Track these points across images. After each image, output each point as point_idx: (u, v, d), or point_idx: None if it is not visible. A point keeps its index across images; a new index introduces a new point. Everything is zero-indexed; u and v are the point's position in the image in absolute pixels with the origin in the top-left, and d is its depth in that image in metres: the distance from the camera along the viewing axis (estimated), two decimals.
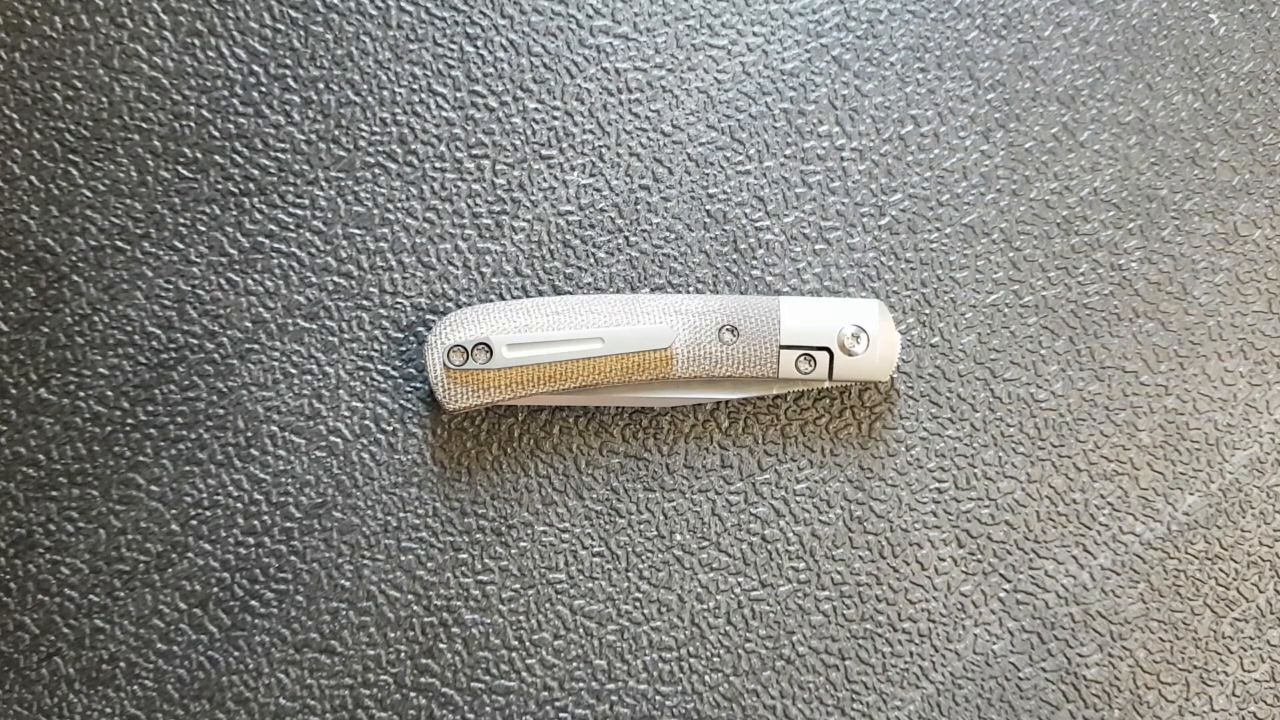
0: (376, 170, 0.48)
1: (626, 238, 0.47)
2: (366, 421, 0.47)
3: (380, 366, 0.47)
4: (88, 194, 0.47)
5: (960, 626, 0.46)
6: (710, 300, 0.45)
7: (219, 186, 0.47)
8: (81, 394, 0.47)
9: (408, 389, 0.47)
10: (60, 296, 0.47)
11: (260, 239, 0.47)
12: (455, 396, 0.45)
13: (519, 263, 0.47)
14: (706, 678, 0.46)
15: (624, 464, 0.46)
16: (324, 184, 0.47)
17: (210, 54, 0.48)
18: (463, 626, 0.46)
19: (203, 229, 0.47)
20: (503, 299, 0.47)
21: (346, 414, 0.47)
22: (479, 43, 0.48)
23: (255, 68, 0.48)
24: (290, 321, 0.47)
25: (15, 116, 0.48)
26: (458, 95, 0.48)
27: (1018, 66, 0.48)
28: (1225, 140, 0.48)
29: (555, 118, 0.48)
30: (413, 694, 0.46)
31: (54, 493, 0.46)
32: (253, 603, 0.46)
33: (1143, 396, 0.47)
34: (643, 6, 0.48)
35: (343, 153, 0.48)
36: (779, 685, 0.46)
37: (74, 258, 0.47)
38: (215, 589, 0.46)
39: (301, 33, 0.48)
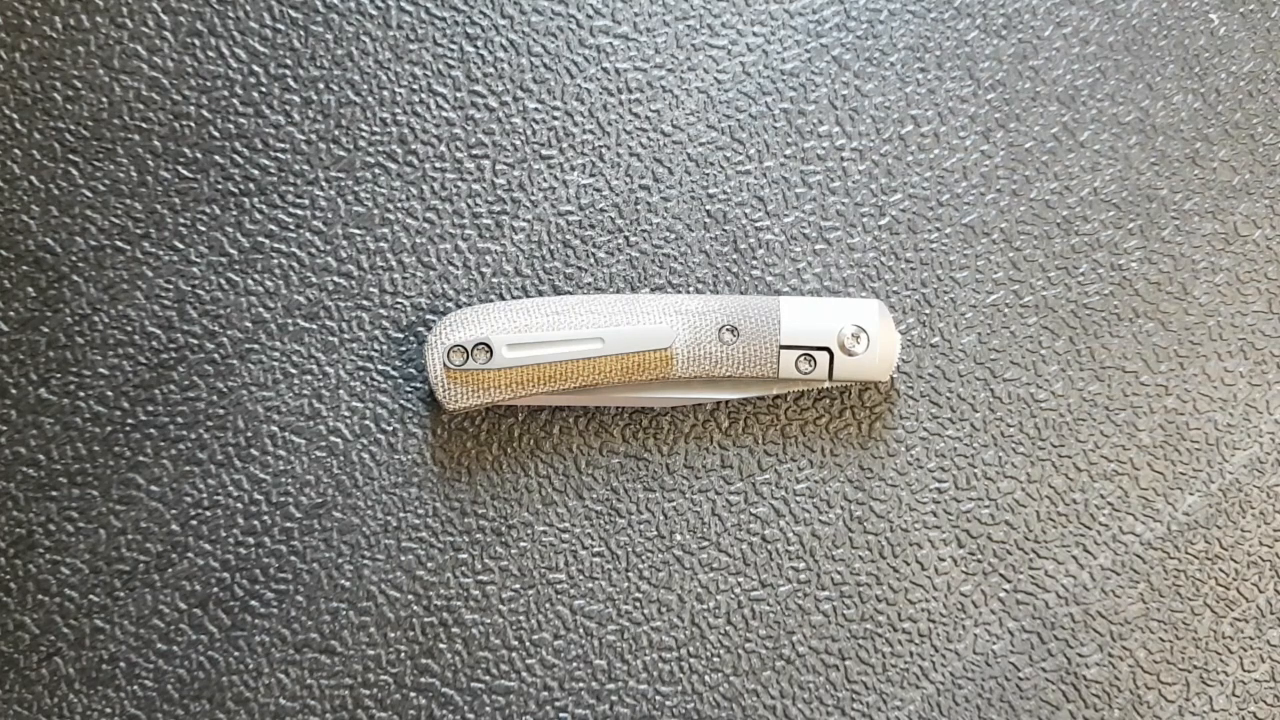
0: (376, 170, 0.48)
1: (626, 238, 0.47)
2: (366, 421, 0.47)
3: (380, 366, 0.47)
4: (88, 194, 0.47)
5: (960, 626, 0.46)
6: (710, 300, 0.45)
7: (219, 186, 0.47)
8: (81, 394, 0.47)
9: (408, 389, 0.47)
10: (60, 296, 0.47)
11: (260, 239, 0.47)
12: (455, 396, 0.45)
13: (519, 263, 0.47)
14: (706, 678, 0.46)
15: (624, 464, 0.46)
16: (324, 184, 0.47)
17: (210, 54, 0.48)
18: (463, 626, 0.46)
19: (203, 229, 0.47)
20: (503, 299, 0.47)
21: (346, 414, 0.47)
22: (479, 43, 0.48)
23: (255, 68, 0.48)
24: (290, 321, 0.47)
25: (15, 116, 0.48)
26: (458, 95, 0.48)
27: (1018, 66, 0.48)
28: (1225, 140, 0.48)
29: (555, 118, 0.48)
30: (413, 694, 0.46)
31: (54, 493, 0.46)
32: (253, 603, 0.46)
33: (1143, 396, 0.47)
34: (643, 6, 0.48)
35: (343, 153, 0.48)
36: (779, 685, 0.46)
37: (74, 258, 0.47)
38: (215, 589, 0.46)
39: (301, 33, 0.48)
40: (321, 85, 0.48)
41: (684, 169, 0.48)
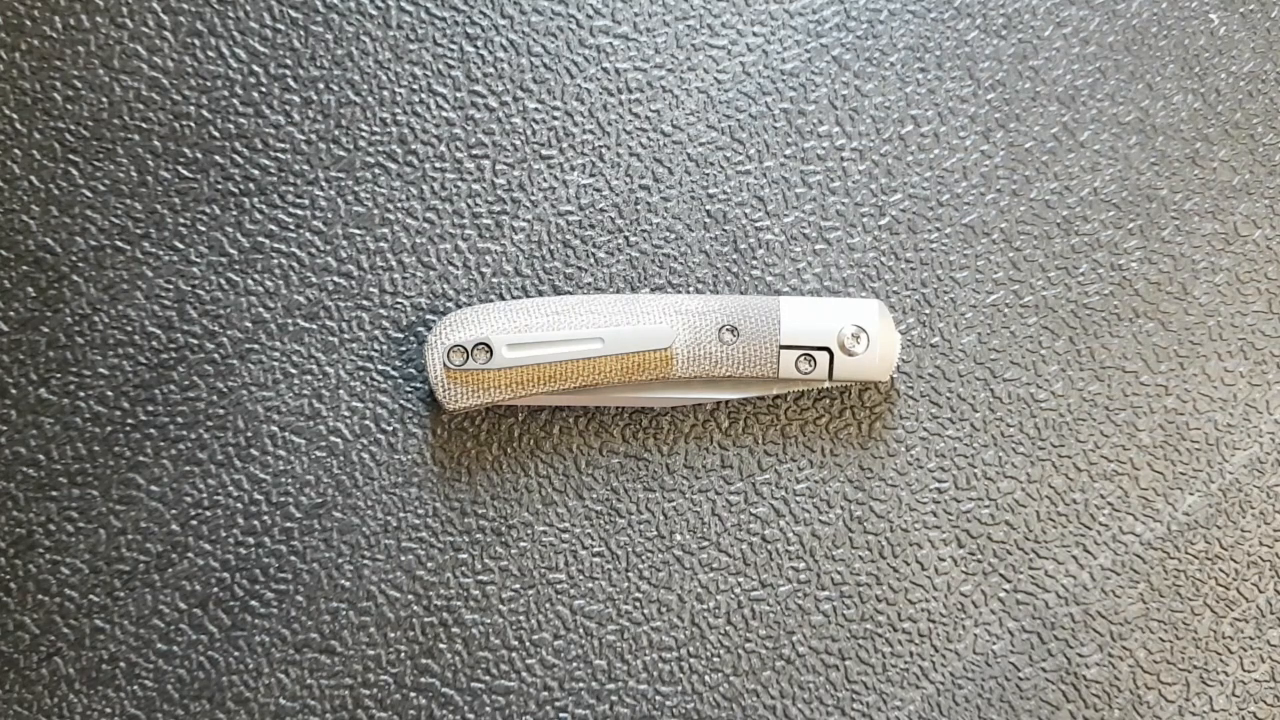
0: (376, 170, 0.48)
1: (626, 238, 0.47)
2: (366, 421, 0.47)
3: (380, 366, 0.47)
4: (88, 194, 0.47)
5: (960, 626, 0.46)
6: (710, 300, 0.45)
7: (219, 186, 0.47)
8: (81, 394, 0.47)
9: (408, 389, 0.47)
10: (60, 296, 0.47)
11: (260, 239, 0.47)
12: (455, 396, 0.45)
13: (519, 263, 0.47)
14: (706, 678, 0.46)
15: (624, 464, 0.46)
16: (324, 184, 0.47)
17: (210, 54, 0.48)
18: (463, 626, 0.46)
19: (203, 229, 0.47)
20: (503, 299, 0.47)
21: (346, 414, 0.47)
22: (479, 43, 0.48)
23: (255, 68, 0.48)
24: (290, 321, 0.47)
25: (15, 116, 0.48)
26: (458, 95, 0.48)
27: (1018, 66, 0.48)
28: (1225, 140, 0.48)
29: (555, 118, 0.48)
30: (413, 694, 0.46)
31: (54, 493, 0.46)
32: (253, 603, 0.46)
33: (1143, 396, 0.47)
34: (643, 6, 0.48)
35: (343, 153, 0.48)
36: (779, 685, 0.46)
37: (74, 258, 0.47)
38: (215, 589, 0.46)
39: (301, 33, 0.48)
40: (321, 85, 0.48)
41: (684, 169, 0.48)
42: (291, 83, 0.48)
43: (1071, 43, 0.48)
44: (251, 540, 0.46)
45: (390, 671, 0.46)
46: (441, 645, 0.46)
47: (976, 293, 0.47)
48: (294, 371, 0.47)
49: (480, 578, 0.46)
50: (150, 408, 0.47)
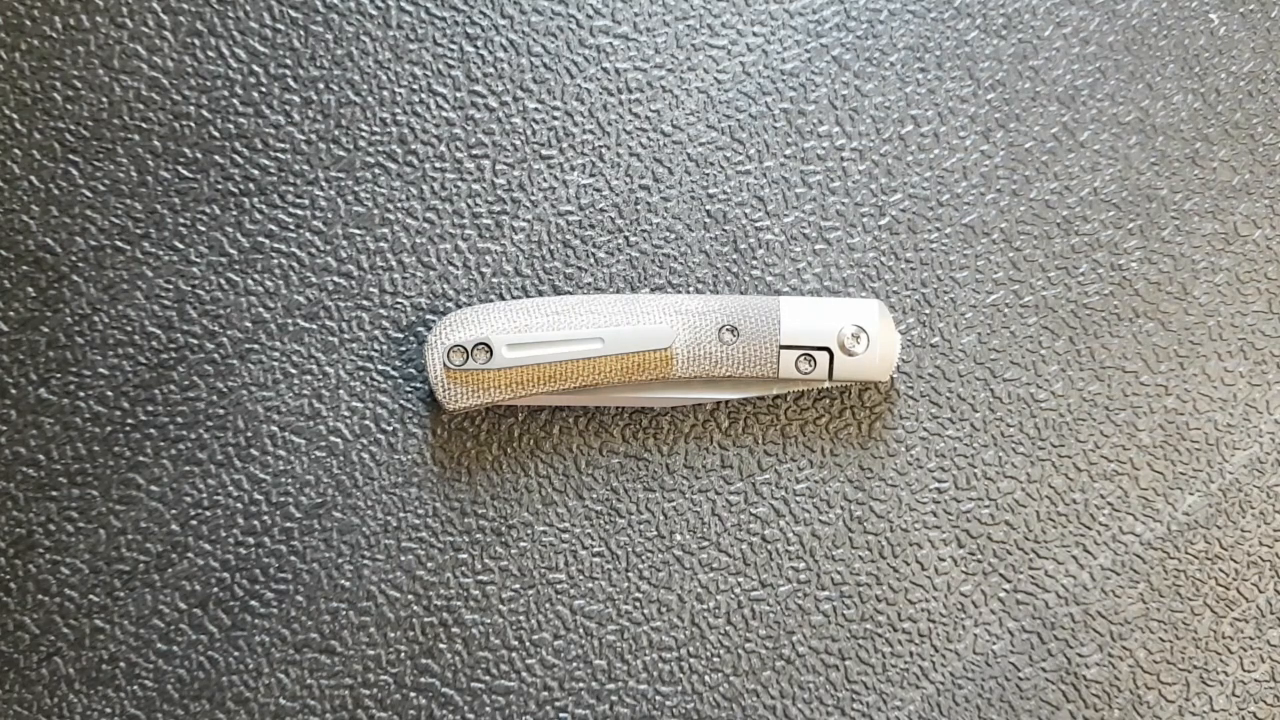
0: (376, 170, 0.48)
1: (626, 238, 0.47)
2: (366, 421, 0.47)
3: (380, 366, 0.47)
4: (88, 194, 0.47)
5: (960, 626, 0.46)
6: (710, 300, 0.45)
7: (219, 186, 0.47)
8: (81, 394, 0.47)
9: (408, 389, 0.47)
10: (60, 296, 0.47)
11: (260, 239, 0.47)
12: (455, 396, 0.45)
13: (519, 263, 0.47)
14: (706, 678, 0.46)
15: (624, 464, 0.46)
16: (324, 184, 0.47)
17: (210, 54, 0.48)
18: (463, 626, 0.46)
19: (203, 229, 0.47)
20: (503, 299, 0.47)
21: (346, 414, 0.47)
22: (479, 43, 0.48)
23: (255, 68, 0.48)
24: (290, 321, 0.47)
25: (15, 116, 0.48)
26: (458, 95, 0.48)
27: (1018, 66, 0.48)
28: (1225, 140, 0.48)
29: (555, 118, 0.48)
30: (413, 694, 0.46)
31: (54, 493, 0.46)
32: (253, 603, 0.46)
33: (1143, 396, 0.47)
34: (643, 6, 0.48)
35: (343, 153, 0.48)
36: (779, 685, 0.46)
37: (74, 258, 0.47)
38: (215, 589, 0.46)
39: (301, 33, 0.48)
40: (321, 85, 0.48)
41: (684, 169, 0.48)
42: (291, 83, 0.48)
43: (1071, 43, 0.48)
44: (251, 540, 0.46)
45: (390, 671, 0.46)
46: (441, 645, 0.46)
47: (976, 293, 0.47)
48: (294, 371, 0.47)
49: (480, 578, 0.46)
50: (150, 408, 0.47)
